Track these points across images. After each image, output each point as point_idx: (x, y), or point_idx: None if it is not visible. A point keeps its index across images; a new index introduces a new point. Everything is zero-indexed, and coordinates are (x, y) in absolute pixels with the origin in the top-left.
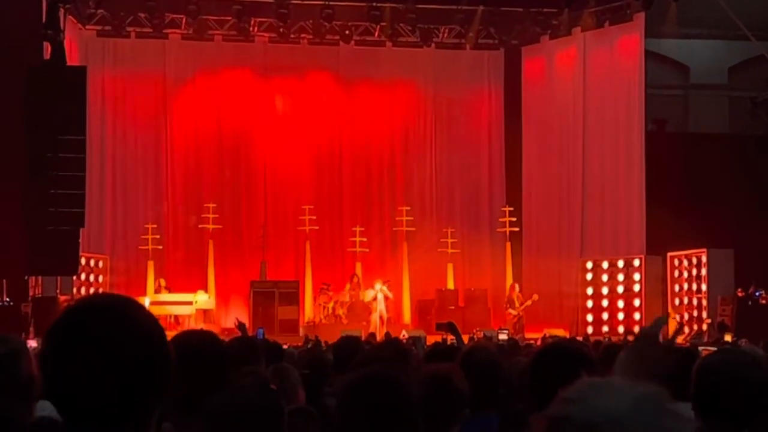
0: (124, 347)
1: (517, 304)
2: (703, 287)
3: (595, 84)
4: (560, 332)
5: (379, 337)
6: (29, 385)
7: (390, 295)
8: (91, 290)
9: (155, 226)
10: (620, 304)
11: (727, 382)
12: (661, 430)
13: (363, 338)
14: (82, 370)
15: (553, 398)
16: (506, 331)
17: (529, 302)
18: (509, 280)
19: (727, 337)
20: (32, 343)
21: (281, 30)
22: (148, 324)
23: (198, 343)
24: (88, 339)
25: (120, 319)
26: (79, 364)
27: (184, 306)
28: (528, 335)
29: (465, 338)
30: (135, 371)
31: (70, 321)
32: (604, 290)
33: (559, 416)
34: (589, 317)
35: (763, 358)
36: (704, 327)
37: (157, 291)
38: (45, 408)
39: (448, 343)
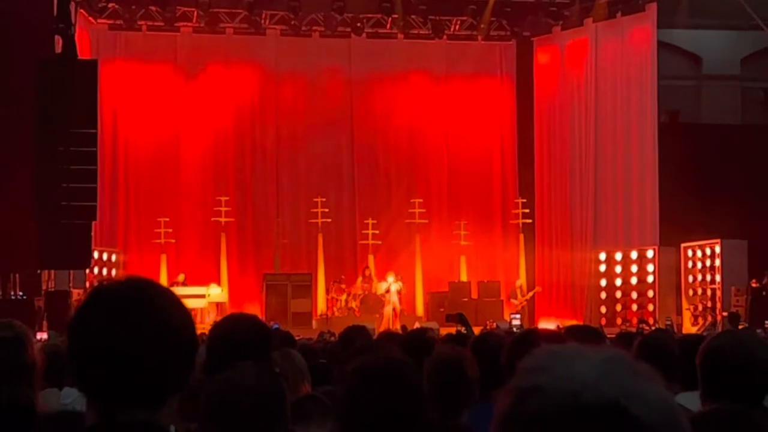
0: (153, 333)
1: (519, 295)
2: (717, 278)
3: (607, 75)
4: (574, 323)
5: (392, 330)
6: (32, 371)
7: (402, 289)
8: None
9: (168, 219)
10: (634, 295)
11: (734, 362)
12: (638, 390)
13: (377, 331)
14: (108, 354)
15: None
16: (518, 317)
17: (531, 293)
18: (522, 272)
19: (740, 328)
20: (43, 336)
21: (293, 23)
22: (178, 310)
23: (247, 325)
24: (118, 324)
25: (150, 304)
26: (106, 349)
27: (197, 299)
28: (542, 326)
29: (477, 330)
30: (162, 358)
31: (100, 304)
32: (618, 281)
33: (528, 387)
34: (603, 309)
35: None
36: (718, 318)
37: (175, 284)
38: (69, 395)
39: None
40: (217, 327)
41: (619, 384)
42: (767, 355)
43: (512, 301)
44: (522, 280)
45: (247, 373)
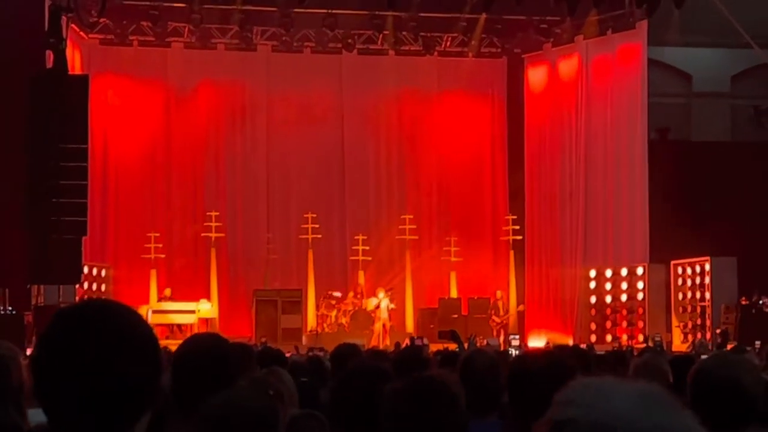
0: (116, 354)
1: (501, 312)
2: (707, 295)
3: (597, 92)
4: (564, 340)
5: (382, 346)
6: (18, 392)
7: (392, 305)
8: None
9: (158, 234)
10: (624, 312)
11: (720, 386)
12: (673, 426)
13: (367, 347)
14: (71, 375)
15: (532, 405)
16: (517, 337)
17: (513, 312)
18: (512, 289)
19: (729, 346)
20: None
21: (284, 39)
22: (141, 331)
23: (207, 346)
24: (80, 345)
25: (113, 325)
26: (69, 370)
27: (186, 315)
28: (532, 344)
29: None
30: (126, 378)
31: (62, 326)
32: (608, 298)
33: (563, 420)
34: (593, 325)
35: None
36: (708, 335)
37: (162, 299)
38: (37, 415)
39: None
40: (180, 353)
41: (654, 419)
42: (754, 381)
43: (494, 318)
44: (501, 293)
45: (243, 394)
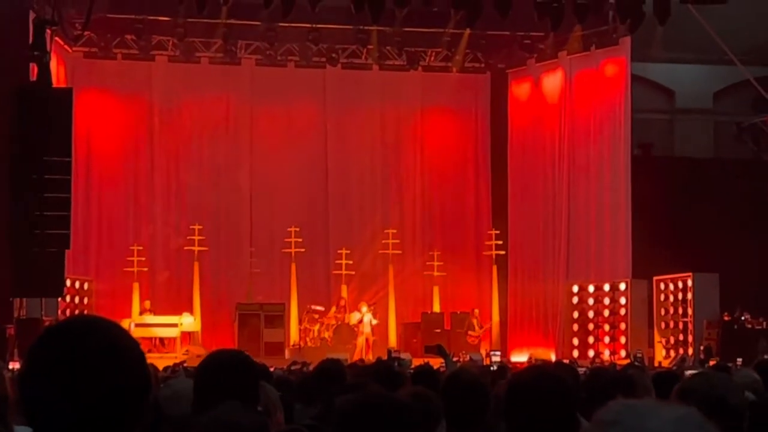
0: (103, 371)
1: (477, 328)
2: (689, 311)
3: (581, 107)
4: (547, 356)
5: (366, 361)
6: (4, 403)
7: (374, 321)
8: (77, 312)
9: (141, 248)
10: (606, 327)
11: (708, 405)
12: None
13: (349, 361)
14: (58, 392)
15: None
16: (498, 353)
17: (487, 326)
18: (495, 304)
19: (712, 362)
20: (16, 365)
21: (268, 53)
22: (129, 348)
23: (231, 362)
24: (68, 361)
25: (100, 342)
26: (57, 387)
27: (169, 328)
28: (515, 359)
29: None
30: (113, 394)
31: (50, 342)
32: (590, 314)
33: None
34: (575, 341)
35: (756, 382)
36: (690, 351)
37: (143, 312)
38: None
39: (435, 367)
40: (204, 368)
41: None
42: (739, 399)
43: (470, 333)
44: (478, 311)
45: (233, 411)
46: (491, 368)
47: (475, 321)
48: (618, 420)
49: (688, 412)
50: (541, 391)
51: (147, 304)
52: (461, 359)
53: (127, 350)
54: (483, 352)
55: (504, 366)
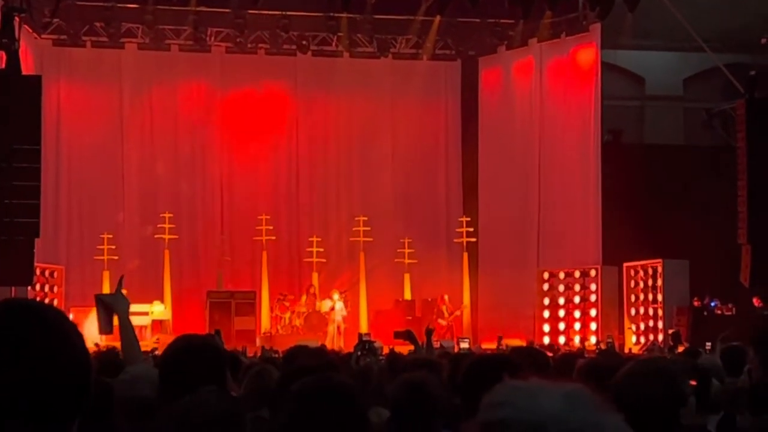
0: (38, 352)
1: (446, 314)
2: (659, 297)
3: (551, 94)
4: (518, 342)
5: (336, 348)
6: None
7: (345, 312)
8: (46, 301)
9: (111, 236)
10: (576, 314)
11: (633, 397)
12: (600, 423)
13: (321, 348)
14: None
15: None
16: (467, 340)
17: (458, 312)
18: (466, 291)
19: (681, 348)
20: None
21: (238, 40)
22: (66, 330)
23: (198, 346)
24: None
25: (36, 323)
26: None
27: (139, 316)
28: (485, 345)
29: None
30: (49, 378)
31: None
32: (561, 300)
33: (494, 421)
34: (546, 327)
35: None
36: (660, 337)
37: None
38: None
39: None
40: (171, 352)
41: (581, 417)
42: (671, 392)
43: (439, 321)
44: (447, 297)
45: (208, 397)
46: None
47: (444, 307)
48: (507, 401)
49: (576, 387)
50: (495, 375)
51: (124, 293)
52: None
53: (65, 334)
54: (454, 340)
55: (469, 352)
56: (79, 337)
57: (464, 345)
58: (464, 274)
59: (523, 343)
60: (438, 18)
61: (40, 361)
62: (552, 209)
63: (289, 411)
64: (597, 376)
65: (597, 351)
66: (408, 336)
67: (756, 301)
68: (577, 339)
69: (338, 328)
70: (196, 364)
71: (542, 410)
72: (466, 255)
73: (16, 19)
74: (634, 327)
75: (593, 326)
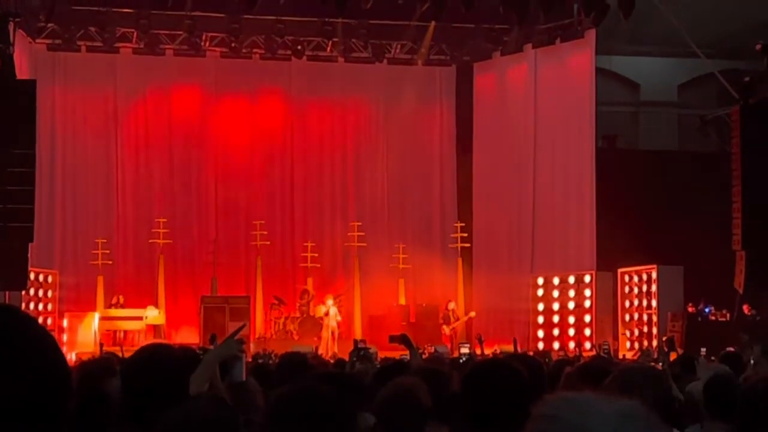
0: (10, 358)
1: (452, 320)
2: (653, 303)
3: (546, 100)
4: (511, 348)
5: (330, 353)
6: None
7: (338, 317)
8: (40, 306)
9: (105, 240)
10: (571, 320)
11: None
12: None
13: (314, 353)
14: None
15: (486, 414)
16: (467, 345)
17: (464, 318)
18: (460, 296)
19: (673, 355)
20: None
21: (233, 45)
22: (40, 337)
23: (157, 357)
24: None
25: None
26: None
27: (133, 321)
28: (478, 351)
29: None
30: (20, 387)
31: None
32: (555, 306)
33: None
34: (540, 333)
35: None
36: (654, 343)
37: (114, 306)
38: None
39: (398, 357)
40: (130, 363)
41: None
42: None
43: (444, 328)
44: (454, 304)
45: (202, 404)
46: (460, 360)
47: (451, 314)
48: (557, 415)
49: (630, 405)
50: (495, 383)
51: (120, 298)
52: (426, 352)
53: (39, 342)
54: (450, 346)
55: (472, 357)
56: (57, 352)
57: (464, 350)
58: (458, 280)
59: (517, 350)
60: (433, 23)
61: (34, 366)
62: (546, 215)
63: (270, 420)
64: (587, 381)
65: (592, 357)
66: (403, 340)
67: (746, 308)
68: (571, 345)
69: (332, 333)
70: (154, 375)
71: (592, 428)
72: (460, 260)
73: (11, 23)
74: (628, 333)
75: (587, 332)
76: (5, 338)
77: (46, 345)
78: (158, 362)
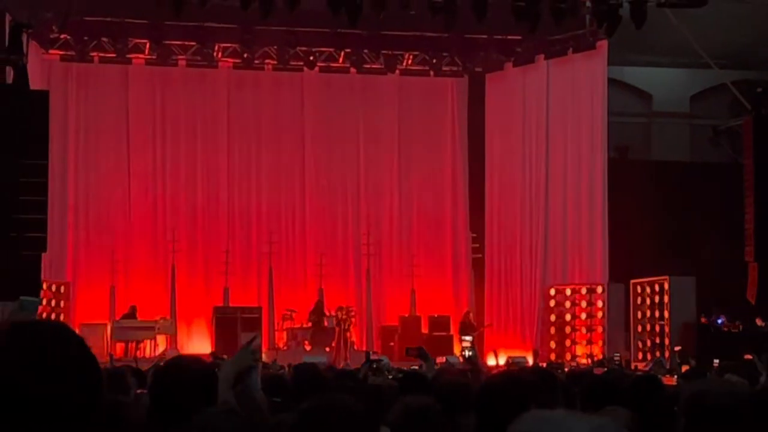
0: (54, 369)
1: (473, 329)
2: (666, 314)
3: (558, 111)
4: (518, 353)
5: (342, 364)
6: None
7: (352, 323)
8: (53, 316)
9: (118, 251)
10: (583, 331)
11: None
12: None
13: (328, 365)
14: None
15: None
16: (470, 339)
17: (482, 329)
18: (472, 307)
19: (684, 367)
20: None
21: (245, 55)
22: (82, 351)
23: (192, 367)
24: (15, 359)
25: (29, 346)
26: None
27: (146, 331)
28: (491, 363)
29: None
30: (42, 400)
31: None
32: (567, 317)
33: None
34: (552, 344)
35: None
36: (666, 354)
37: (129, 316)
38: None
39: (409, 368)
40: (162, 376)
41: None
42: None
43: (464, 338)
44: (471, 317)
45: (217, 418)
46: (465, 353)
47: (468, 324)
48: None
49: (603, 422)
50: (510, 395)
51: (135, 308)
52: (438, 362)
53: (81, 355)
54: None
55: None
56: (80, 358)
57: (466, 343)
58: (470, 291)
59: (529, 361)
60: (445, 34)
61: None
62: (558, 226)
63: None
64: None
65: (606, 369)
66: (420, 353)
67: (758, 321)
68: (584, 356)
69: (344, 344)
70: (186, 387)
71: None
72: (472, 272)
73: (24, 34)
74: (640, 344)
75: (600, 343)
76: (61, 345)
77: (88, 352)
78: (191, 375)
